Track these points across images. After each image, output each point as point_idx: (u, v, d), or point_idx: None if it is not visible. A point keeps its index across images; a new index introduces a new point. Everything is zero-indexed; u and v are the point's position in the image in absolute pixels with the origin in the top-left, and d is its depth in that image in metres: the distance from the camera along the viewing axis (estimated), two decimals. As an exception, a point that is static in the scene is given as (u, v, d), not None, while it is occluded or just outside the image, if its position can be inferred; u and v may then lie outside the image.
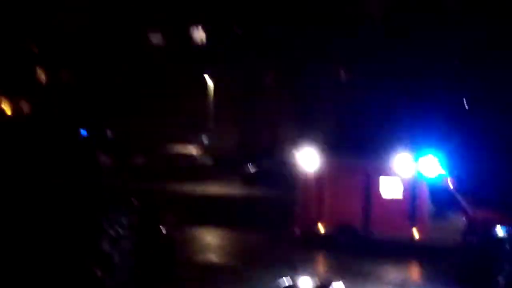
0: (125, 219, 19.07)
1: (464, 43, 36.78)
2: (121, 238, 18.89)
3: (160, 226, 22.61)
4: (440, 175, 23.73)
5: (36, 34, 54.91)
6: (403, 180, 23.70)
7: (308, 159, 24.59)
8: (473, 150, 28.32)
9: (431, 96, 35.30)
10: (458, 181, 24.60)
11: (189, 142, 47.14)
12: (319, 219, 24.29)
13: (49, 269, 18.19)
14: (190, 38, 52.40)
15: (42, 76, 58.47)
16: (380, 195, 23.89)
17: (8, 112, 56.63)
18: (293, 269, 20.29)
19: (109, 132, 45.43)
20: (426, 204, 23.47)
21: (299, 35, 41.41)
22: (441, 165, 23.85)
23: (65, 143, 43.94)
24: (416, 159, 23.58)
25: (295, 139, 28.33)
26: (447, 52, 37.12)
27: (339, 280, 14.68)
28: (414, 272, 22.89)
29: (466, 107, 30.32)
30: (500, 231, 19.80)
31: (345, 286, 14.68)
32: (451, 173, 24.79)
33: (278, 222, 26.65)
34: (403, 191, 23.71)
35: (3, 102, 56.51)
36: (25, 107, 57.54)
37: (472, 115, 28.04)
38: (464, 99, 34.05)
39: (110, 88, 53.60)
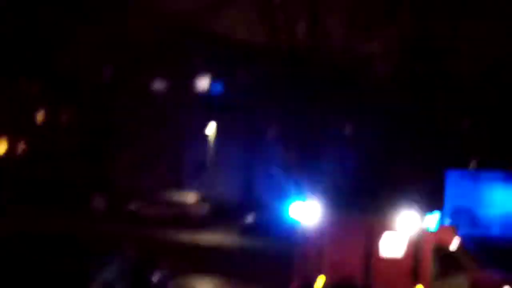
0: (117, 265, 18.62)
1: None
2: (113, 285, 18.42)
3: (153, 274, 22.08)
4: (444, 232, 23.13)
5: (36, 74, 54.98)
6: (406, 239, 23.08)
7: (309, 211, 24.02)
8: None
9: (438, 152, 35.13)
10: (465, 239, 24.01)
11: (188, 189, 46.84)
12: (318, 274, 23.60)
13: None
14: (194, 85, 52.54)
15: (41, 116, 58.35)
16: (381, 252, 23.24)
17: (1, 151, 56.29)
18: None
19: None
20: (429, 263, 22.77)
21: (303, 86, 41.35)
22: (448, 223, 23.29)
23: (60, 184, 43.62)
24: (421, 216, 22.98)
25: (297, 191, 27.82)
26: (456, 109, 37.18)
27: None
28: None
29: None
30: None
31: None
32: (458, 231, 24.24)
33: (275, 275, 26.03)
34: (406, 249, 23.07)
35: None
36: (21, 147, 57.25)
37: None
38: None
39: (111, 131, 53.50)
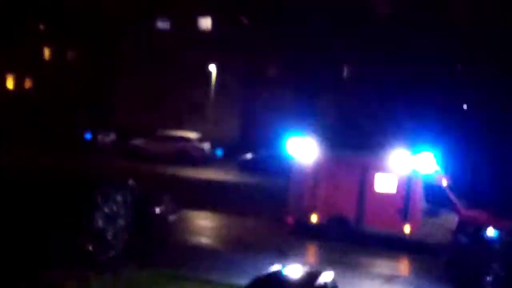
0: (120, 197, 19.21)
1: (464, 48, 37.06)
2: (115, 216, 19.04)
3: (155, 207, 22.90)
4: (435, 172, 23.87)
5: (43, 13, 54.98)
6: (398, 176, 23.83)
7: (305, 150, 24.73)
8: (470, 151, 28.49)
9: (430, 94, 35.50)
10: (453, 179, 24.76)
11: (189, 127, 47.34)
12: (313, 209, 24.45)
13: (42, 243, 18.35)
14: (196, 25, 52.45)
15: (47, 53, 58.60)
16: (374, 189, 24.03)
17: (10, 86, 56.77)
18: (284, 257, 20.52)
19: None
20: (419, 201, 23.59)
21: (304, 30, 41.48)
22: (437, 162, 24.00)
23: (65, 121, 44.12)
24: (412, 156, 23.70)
25: (294, 130, 28.41)
26: (447, 54, 37.34)
27: (329, 270, 14.82)
28: (403, 267, 23.10)
29: (465, 107, 30.53)
30: (491, 232, 19.93)
31: (335, 276, 14.82)
32: (446, 171, 24.98)
33: (272, 210, 26.85)
34: (398, 187, 23.84)
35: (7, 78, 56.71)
36: (28, 83, 57.74)
37: (470, 115, 28.30)
38: (460, 99, 34.42)
39: (113, 71, 53.77)
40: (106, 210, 18.81)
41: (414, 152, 23.71)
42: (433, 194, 23.49)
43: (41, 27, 57.58)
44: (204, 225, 25.84)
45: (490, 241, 19.71)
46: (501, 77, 34.10)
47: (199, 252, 21.51)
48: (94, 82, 54.15)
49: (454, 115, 28.47)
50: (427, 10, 38.49)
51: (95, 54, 54.81)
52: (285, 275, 14.32)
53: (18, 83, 57.29)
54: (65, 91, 53.97)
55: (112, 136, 44.32)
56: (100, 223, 18.66)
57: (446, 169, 25.22)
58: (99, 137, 42.95)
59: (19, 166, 30.03)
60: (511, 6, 35.64)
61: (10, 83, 57.08)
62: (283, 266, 14.77)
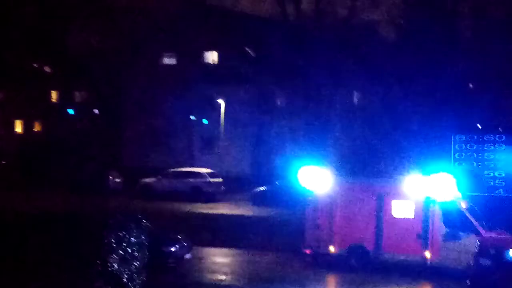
0: (134, 238, 18.97)
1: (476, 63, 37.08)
2: (130, 257, 18.80)
3: (170, 246, 22.63)
4: (453, 195, 23.50)
5: (49, 55, 55.33)
6: (415, 202, 23.50)
7: (319, 179, 24.45)
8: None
9: (443, 113, 35.40)
10: (471, 202, 24.37)
11: (200, 163, 47.26)
12: (330, 239, 24.11)
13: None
14: (203, 59, 52.65)
15: (54, 96, 58.90)
16: (392, 216, 23.70)
17: (19, 130, 56.92)
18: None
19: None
20: (438, 225, 23.22)
21: (311, 57, 41.48)
22: (454, 185, 23.61)
23: (76, 163, 44.05)
24: (429, 179, 23.35)
25: (307, 159, 28.20)
26: (459, 74, 37.34)
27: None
28: (426, 294, 22.67)
29: (479, 127, 30.32)
30: (513, 253, 19.57)
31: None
32: (464, 194, 24.59)
33: (288, 243, 26.50)
34: (416, 212, 23.51)
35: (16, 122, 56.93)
36: (37, 127, 57.94)
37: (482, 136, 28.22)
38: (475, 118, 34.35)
39: (120, 110, 53.89)
40: (121, 252, 18.55)
41: (431, 175, 23.35)
42: (452, 217, 23.12)
43: (48, 69, 57.97)
44: (220, 261, 25.51)
45: (513, 263, 19.33)
46: None
47: (216, 289, 21.18)
48: (103, 122, 54.26)
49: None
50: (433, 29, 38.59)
51: (102, 94, 55.02)
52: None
53: (27, 127, 57.50)
54: (74, 133, 54.06)
55: (122, 177, 44.09)
56: (115, 265, 18.40)
57: (464, 191, 24.83)
58: (110, 177, 42.77)
59: (31, 209, 29.92)
60: None
61: (18, 127, 57.28)
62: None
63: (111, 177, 42.95)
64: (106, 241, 18.44)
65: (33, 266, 20.33)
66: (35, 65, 55.92)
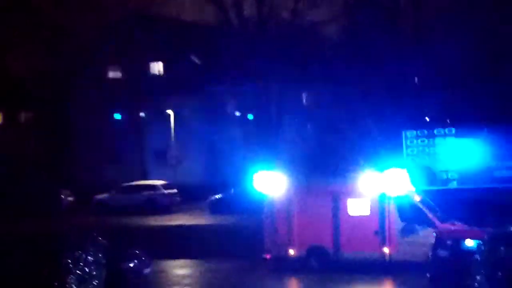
0: (91, 256, 18.70)
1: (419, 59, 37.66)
2: (88, 277, 18.51)
3: (128, 262, 22.33)
4: (407, 191, 23.73)
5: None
6: (370, 199, 23.66)
7: (274, 183, 24.44)
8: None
9: (397, 107, 35.88)
10: (425, 195, 24.66)
11: (154, 176, 46.89)
12: (289, 242, 24.11)
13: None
14: (149, 71, 52.27)
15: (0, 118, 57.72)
16: (348, 215, 23.84)
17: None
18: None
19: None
20: (394, 220, 23.42)
21: (259, 62, 41.55)
22: (408, 180, 23.86)
23: (27, 183, 43.23)
24: (383, 176, 23.54)
25: (260, 164, 28.20)
26: (405, 68, 37.86)
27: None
28: (387, 290, 22.82)
29: (428, 120, 30.82)
30: (470, 243, 19.79)
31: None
32: (418, 188, 24.87)
33: (248, 249, 26.40)
34: (371, 209, 23.68)
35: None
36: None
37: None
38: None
39: (68, 128, 53.14)
40: (78, 272, 18.26)
41: (384, 171, 23.55)
42: (408, 211, 23.36)
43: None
44: (181, 273, 25.31)
45: (470, 252, 19.51)
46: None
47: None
48: (50, 141, 53.40)
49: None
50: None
51: (48, 113, 54.15)
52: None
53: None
54: (21, 154, 53.04)
55: (74, 195, 43.38)
56: (73, 286, 18.10)
57: (418, 185, 25.11)
58: (62, 196, 42.08)
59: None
60: None
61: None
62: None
63: (63, 196, 42.25)
64: (62, 261, 18.15)
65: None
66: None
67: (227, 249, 27.61)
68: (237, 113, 48.93)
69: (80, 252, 18.30)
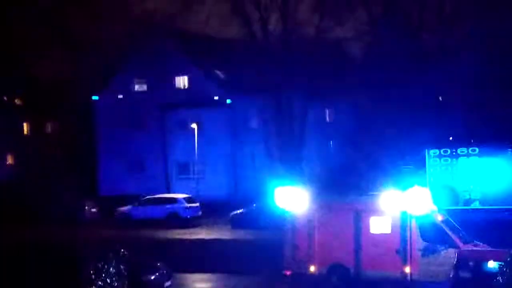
0: (113, 268, 18.84)
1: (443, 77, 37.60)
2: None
3: (150, 274, 22.44)
4: (429, 209, 23.64)
5: (19, 87, 54.98)
6: (392, 217, 23.58)
7: (296, 199, 24.46)
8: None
9: (417, 132, 35.75)
10: (447, 215, 24.53)
11: (176, 189, 47.10)
12: (310, 259, 24.08)
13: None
14: (174, 84, 52.61)
15: (26, 128, 58.42)
16: (370, 233, 23.75)
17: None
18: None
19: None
20: (416, 240, 23.30)
21: (282, 76, 41.68)
22: (430, 199, 23.78)
23: (51, 192, 43.60)
24: (405, 194, 23.47)
25: (283, 179, 28.24)
26: (429, 87, 37.81)
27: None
28: (407, 309, 22.68)
29: (451, 139, 30.81)
30: (492, 264, 19.66)
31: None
32: (440, 208, 24.76)
33: (268, 265, 26.40)
34: (393, 228, 23.58)
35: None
36: (10, 159, 57.30)
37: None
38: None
39: (96, 138, 53.61)
40: (100, 283, 18.41)
41: (407, 190, 23.48)
42: (430, 231, 23.23)
43: (17, 102, 57.55)
44: (201, 287, 25.35)
45: (492, 273, 19.40)
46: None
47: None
48: (75, 152, 53.86)
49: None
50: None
51: (73, 124, 54.69)
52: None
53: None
54: (47, 164, 53.54)
55: (97, 206, 43.65)
56: (95, 298, 18.25)
57: (440, 204, 25.00)
58: (86, 208, 42.40)
59: (7, 243, 29.50)
60: None
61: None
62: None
63: (87, 207, 42.57)
64: (85, 272, 18.30)
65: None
66: (5, 97, 55.48)
67: (248, 264, 27.63)
68: (260, 128, 48.97)
69: (102, 263, 18.49)
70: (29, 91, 55.36)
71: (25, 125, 58.44)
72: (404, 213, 23.35)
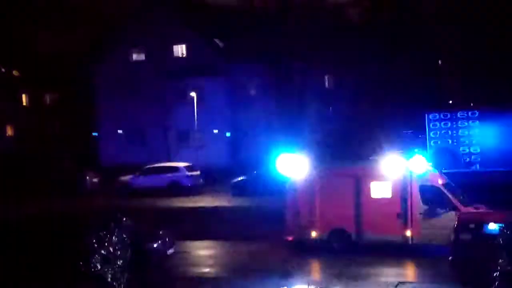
0: (115, 237, 18.90)
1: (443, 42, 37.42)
2: (112, 257, 18.72)
3: (152, 242, 22.57)
4: (429, 172, 23.70)
5: (16, 58, 54.79)
6: (393, 182, 23.65)
7: (297, 165, 24.50)
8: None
9: (417, 94, 35.71)
10: (448, 178, 24.59)
11: (177, 158, 47.11)
12: (311, 225, 24.20)
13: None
14: (172, 53, 52.38)
15: (25, 99, 58.35)
16: (371, 198, 23.84)
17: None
18: (290, 277, 20.22)
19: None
20: (417, 203, 23.40)
21: (281, 45, 41.47)
22: (431, 162, 23.83)
23: (52, 164, 43.65)
24: (405, 159, 23.52)
25: (284, 147, 28.23)
26: (428, 52, 37.65)
27: (335, 285, 14.54)
28: (409, 272, 22.81)
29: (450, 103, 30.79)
30: (492, 226, 19.72)
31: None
32: (441, 171, 24.81)
33: (270, 231, 26.55)
34: (394, 192, 23.67)
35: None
36: (9, 131, 57.33)
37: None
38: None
39: (93, 110, 53.53)
40: (103, 252, 18.48)
41: (406, 155, 23.52)
42: (430, 194, 23.31)
43: (16, 73, 57.40)
44: (204, 254, 25.52)
45: (493, 236, 19.45)
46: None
47: (203, 282, 21.17)
48: (75, 122, 53.88)
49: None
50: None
51: (72, 94, 54.62)
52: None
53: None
54: (46, 135, 53.60)
55: (99, 176, 43.73)
56: (98, 266, 18.34)
57: (440, 167, 25.03)
58: (87, 178, 42.47)
59: (8, 214, 29.69)
60: None
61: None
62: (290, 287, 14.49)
63: (88, 177, 42.63)
64: (87, 242, 18.36)
65: (15, 270, 20.19)
66: (3, 69, 55.31)
67: (250, 231, 27.78)
68: (260, 95, 48.91)
69: (105, 232, 18.53)
70: (28, 62, 55.16)
71: (23, 96, 58.35)
72: (404, 177, 23.42)
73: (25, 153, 49.45)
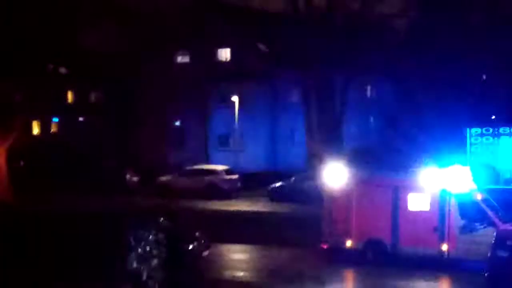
0: (152, 236, 19.15)
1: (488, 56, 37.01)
2: (148, 256, 18.96)
3: (188, 244, 22.76)
4: (469, 187, 23.51)
5: (64, 56, 55.66)
6: (431, 194, 23.52)
7: (335, 174, 24.53)
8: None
9: (460, 104, 35.37)
10: (487, 194, 24.35)
11: (216, 160, 47.39)
12: (347, 234, 24.18)
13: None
14: (216, 57, 52.75)
15: (70, 97, 59.28)
16: (408, 209, 23.73)
17: (36, 132, 57.23)
18: (322, 286, 20.23)
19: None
20: (454, 218, 23.23)
21: (325, 52, 41.39)
22: (470, 177, 23.63)
23: (93, 163, 44.26)
24: (445, 172, 23.37)
25: (323, 155, 28.28)
26: (473, 65, 37.26)
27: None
28: (444, 287, 22.65)
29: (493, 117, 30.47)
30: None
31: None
32: (480, 186, 24.58)
33: (305, 238, 26.58)
34: (432, 205, 23.52)
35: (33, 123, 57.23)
36: (54, 128, 58.28)
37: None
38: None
39: (136, 109, 54.15)
40: (140, 251, 18.74)
41: (447, 168, 23.36)
42: (469, 209, 23.13)
43: (63, 71, 58.34)
44: (238, 258, 25.64)
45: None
46: None
47: (235, 285, 21.28)
48: (118, 121, 54.51)
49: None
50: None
51: (117, 93, 55.30)
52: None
53: (44, 128, 57.83)
54: (90, 133, 54.33)
55: (139, 175, 44.19)
56: (134, 264, 18.59)
57: (480, 183, 24.80)
58: (127, 177, 42.97)
59: (50, 210, 30.14)
60: None
61: (35, 129, 57.66)
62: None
63: (128, 176, 43.15)
64: (125, 240, 18.63)
65: (54, 266, 20.54)
66: (51, 65, 56.22)
67: (285, 237, 27.83)
68: (301, 102, 48.96)
69: (142, 231, 18.80)
70: (75, 60, 56.01)
71: (69, 93, 59.27)
72: (443, 191, 23.27)
73: (67, 150, 50.21)
